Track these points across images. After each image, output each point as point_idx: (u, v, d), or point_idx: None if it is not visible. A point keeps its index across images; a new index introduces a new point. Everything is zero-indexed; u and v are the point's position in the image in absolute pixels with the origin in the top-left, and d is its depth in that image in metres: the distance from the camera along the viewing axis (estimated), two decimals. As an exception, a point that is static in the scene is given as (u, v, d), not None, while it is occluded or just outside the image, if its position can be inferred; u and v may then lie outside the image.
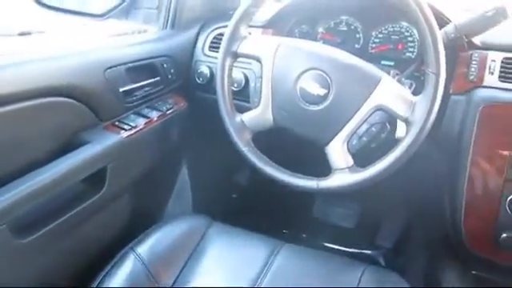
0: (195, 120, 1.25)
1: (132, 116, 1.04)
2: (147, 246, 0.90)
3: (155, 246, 0.91)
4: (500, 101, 0.89)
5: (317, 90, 0.84)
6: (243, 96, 1.12)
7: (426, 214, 1.27)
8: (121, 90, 1.00)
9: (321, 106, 0.84)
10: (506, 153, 0.87)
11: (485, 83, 0.92)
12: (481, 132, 0.89)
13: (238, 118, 0.93)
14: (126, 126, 0.99)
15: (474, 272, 1.01)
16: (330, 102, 0.83)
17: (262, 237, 0.97)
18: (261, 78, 0.90)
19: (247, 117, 0.93)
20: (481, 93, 0.91)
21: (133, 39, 1.13)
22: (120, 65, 1.00)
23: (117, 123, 1.00)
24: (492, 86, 0.91)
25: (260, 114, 0.91)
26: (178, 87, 1.21)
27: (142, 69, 1.07)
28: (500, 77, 0.91)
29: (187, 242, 0.93)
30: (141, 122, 1.03)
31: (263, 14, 1.14)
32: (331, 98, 0.83)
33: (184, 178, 1.36)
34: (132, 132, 0.99)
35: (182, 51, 1.21)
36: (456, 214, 0.94)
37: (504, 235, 0.88)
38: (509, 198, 0.87)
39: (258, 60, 0.91)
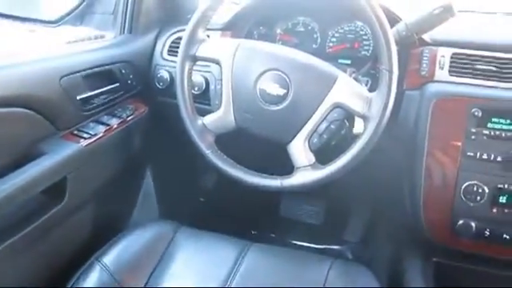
0: (157, 125, 1.24)
1: (91, 124, 1.02)
2: (113, 255, 0.89)
3: (121, 255, 0.89)
4: (451, 94, 0.93)
5: (276, 90, 0.85)
6: (204, 99, 1.12)
7: (389, 206, 1.31)
8: (78, 97, 0.98)
9: (281, 106, 0.85)
10: (458, 143, 0.91)
11: (436, 78, 0.96)
12: (434, 125, 0.93)
13: (200, 121, 0.94)
14: (85, 135, 0.97)
15: (435, 259, 1.04)
16: (289, 101, 0.85)
17: (230, 238, 0.97)
18: (221, 80, 0.91)
19: (209, 119, 0.93)
20: (433, 87, 0.95)
21: (89, 45, 1.10)
22: (76, 72, 0.98)
23: (75, 132, 0.98)
24: (443, 81, 0.95)
25: (221, 117, 0.91)
26: (138, 93, 1.19)
27: (99, 75, 1.05)
28: (450, 71, 0.96)
29: (154, 249, 0.93)
30: (100, 129, 1.01)
31: (221, 17, 1.14)
32: (290, 97, 0.85)
33: (149, 184, 1.35)
34: (91, 140, 0.97)
35: (140, 56, 1.19)
36: (415, 204, 0.97)
37: (460, 222, 0.92)
38: (463, 187, 0.91)
39: (218, 63, 0.91)
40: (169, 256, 0.92)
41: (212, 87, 1.11)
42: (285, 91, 0.85)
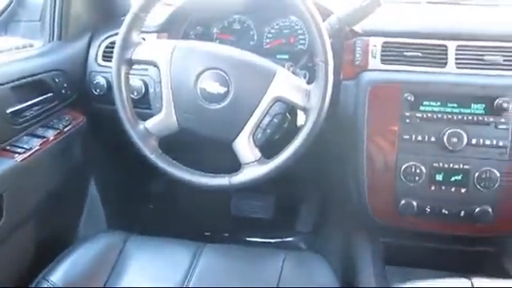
0: (97, 134, 1.20)
1: (25, 138, 0.97)
2: (61, 272, 0.85)
3: (70, 271, 0.86)
4: (384, 81, 0.98)
5: (217, 88, 0.85)
6: (144, 103, 1.10)
7: (336, 193, 1.35)
8: (8, 111, 0.93)
9: (223, 104, 0.85)
10: (395, 128, 0.96)
11: (370, 67, 1.00)
12: (372, 111, 0.97)
13: (141, 125, 0.92)
14: (19, 150, 0.92)
15: (382, 240, 1.09)
16: (230, 99, 0.85)
17: (183, 242, 0.96)
18: (160, 82, 0.90)
19: (150, 123, 0.91)
20: (367, 76, 0.99)
21: (16, 55, 1.04)
22: (3, 84, 0.92)
23: (8, 147, 0.92)
24: (376, 69, 1.00)
25: (163, 119, 0.90)
26: (74, 102, 1.15)
27: (30, 86, 1.00)
28: (382, 60, 1.00)
29: (105, 261, 0.90)
30: (36, 143, 0.96)
31: (155, 19, 1.12)
32: (231, 95, 0.85)
33: (94, 196, 1.30)
34: (27, 155, 0.92)
35: (73, 63, 1.15)
36: (360, 188, 1.01)
37: (403, 202, 0.97)
38: (402, 168, 0.96)
39: (155, 65, 0.90)
40: (121, 266, 0.89)
41: (151, 90, 1.09)
42: (225, 89, 0.85)
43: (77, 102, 1.15)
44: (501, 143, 0.93)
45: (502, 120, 0.92)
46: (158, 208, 1.57)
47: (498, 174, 0.93)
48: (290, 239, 1.53)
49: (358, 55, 1.01)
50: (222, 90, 0.85)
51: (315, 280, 0.89)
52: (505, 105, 0.91)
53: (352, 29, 0.99)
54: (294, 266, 0.91)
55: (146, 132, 0.91)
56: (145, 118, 0.93)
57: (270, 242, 1.51)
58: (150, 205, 1.58)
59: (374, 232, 1.10)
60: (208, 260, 0.91)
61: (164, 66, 0.88)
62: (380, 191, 0.99)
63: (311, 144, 0.83)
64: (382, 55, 1.00)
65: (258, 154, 0.86)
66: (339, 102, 1.01)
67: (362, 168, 0.99)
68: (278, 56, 1.15)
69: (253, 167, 0.86)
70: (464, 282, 0.64)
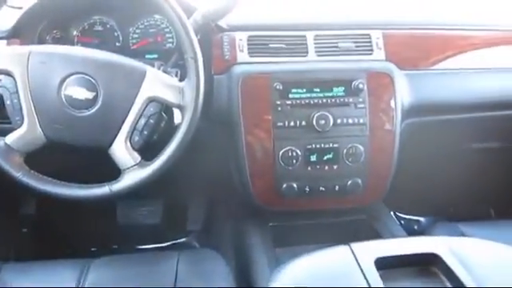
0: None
1: None
2: None
3: None
4: (254, 73, 1.02)
5: (84, 94, 0.81)
6: (2, 117, 0.99)
7: (223, 186, 1.37)
8: None
9: (93, 110, 0.81)
10: (268, 117, 1.01)
11: (238, 60, 1.03)
12: (245, 103, 1.01)
13: (1, 141, 0.83)
14: None
15: (271, 224, 1.14)
16: (101, 103, 0.81)
17: (65, 262, 0.90)
18: (16, 93, 0.81)
19: (11, 138, 0.82)
20: (237, 69, 1.02)
21: None
22: None
23: None
24: (245, 62, 1.03)
25: (27, 133, 0.82)
26: None
27: None
28: (249, 53, 1.04)
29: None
30: None
31: (3, 24, 1.01)
32: (101, 99, 0.81)
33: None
34: None
35: None
36: (243, 177, 1.04)
37: (284, 185, 1.03)
38: (280, 154, 1.01)
39: (9, 74, 0.81)
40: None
41: (8, 102, 0.97)
42: (94, 94, 0.81)
43: None
44: (361, 120, 1.03)
45: (360, 100, 1.03)
46: (33, 231, 1.43)
47: (363, 149, 1.04)
48: (182, 240, 1.51)
49: (226, 50, 1.03)
50: (90, 95, 0.81)
51: (210, 275, 0.90)
52: (360, 86, 1.02)
53: (217, 24, 1.01)
54: (189, 264, 0.91)
55: (8, 148, 0.82)
56: (5, 132, 0.84)
57: (162, 247, 1.48)
58: (23, 229, 1.43)
59: (262, 218, 1.15)
60: (97, 275, 0.86)
61: (19, 75, 0.80)
62: (262, 178, 1.04)
63: (192, 141, 0.83)
64: (248, 48, 1.04)
65: (138, 157, 0.84)
66: (213, 97, 1.02)
67: (243, 158, 1.02)
68: (147, 56, 1.12)
69: (134, 171, 0.83)
70: (345, 248, 0.71)
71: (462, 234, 1.05)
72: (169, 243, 1.49)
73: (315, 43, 1.06)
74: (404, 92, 1.06)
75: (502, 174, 1.40)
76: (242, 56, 1.03)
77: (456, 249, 0.68)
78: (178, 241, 1.51)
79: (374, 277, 0.64)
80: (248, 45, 1.04)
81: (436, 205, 1.44)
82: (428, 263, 0.68)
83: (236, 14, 0.99)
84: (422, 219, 1.52)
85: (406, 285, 0.66)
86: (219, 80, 1.03)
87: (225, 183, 1.22)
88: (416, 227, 1.50)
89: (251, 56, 1.04)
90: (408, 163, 1.11)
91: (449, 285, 0.65)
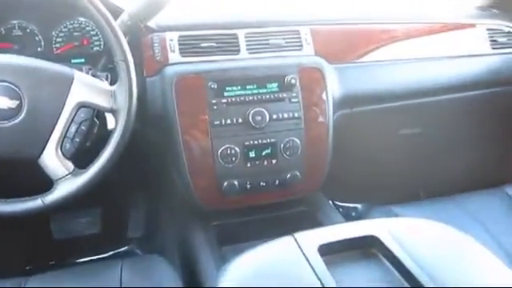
0: None
1: None
2: None
3: None
4: (187, 73, 1.01)
5: (6, 103, 0.75)
6: None
7: (164, 189, 1.35)
8: None
9: (17, 120, 0.76)
10: (205, 116, 1.00)
11: (171, 61, 1.02)
12: (180, 104, 0.99)
13: None
14: None
15: (214, 223, 1.14)
16: (26, 112, 0.76)
17: None
18: None
19: None
20: (170, 70, 1.00)
21: None
22: None
23: None
24: (177, 62, 1.02)
25: None
26: None
27: None
28: (181, 53, 1.03)
29: None
30: None
31: None
32: (26, 107, 0.76)
33: None
34: None
35: None
36: (184, 179, 1.03)
37: (225, 184, 1.03)
38: (219, 152, 1.01)
39: None
40: None
41: None
42: (17, 102, 0.76)
43: None
44: (296, 115, 1.06)
45: (294, 94, 1.06)
46: None
47: (299, 142, 1.06)
48: (124, 248, 1.47)
49: (157, 51, 1.02)
50: (14, 103, 0.76)
51: (157, 280, 0.88)
52: (293, 81, 1.04)
53: (147, 25, 0.99)
54: (134, 272, 0.89)
55: None
56: None
57: (103, 258, 1.42)
58: None
59: (205, 218, 1.14)
60: (34, 293, 0.81)
61: None
62: (202, 178, 1.03)
63: (127, 145, 0.81)
64: (180, 48, 1.03)
65: (71, 166, 0.80)
66: (147, 99, 1.00)
67: (182, 159, 1.01)
68: (74, 61, 1.07)
69: (67, 181, 0.79)
70: (289, 239, 0.72)
71: (397, 216, 1.12)
72: (111, 253, 1.44)
73: (246, 41, 1.07)
74: (334, 85, 1.11)
75: (426, 157, 1.50)
76: (174, 56, 1.02)
77: (392, 229, 0.72)
78: (121, 249, 1.46)
79: (319, 263, 0.66)
80: (179, 45, 1.03)
81: (371, 191, 1.51)
82: (368, 245, 0.72)
83: (165, 14, 0.97)
84: (358, 206, 1.59)
85: (349, 268, 0.69)
86: (152, 82, 1.01)
87: (166, 185, 1.20)
88: (354, 214, 1.57)
89: (183, 56, 1.03)
90: (342, 153, 1.15)
91: (388, 264, 0.69)
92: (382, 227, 0.73)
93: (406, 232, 0.74)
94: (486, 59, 1.29)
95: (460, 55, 1.27)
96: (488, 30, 1.31)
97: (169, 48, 1.02)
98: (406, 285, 0.64)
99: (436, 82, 1.24)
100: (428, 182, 1.57)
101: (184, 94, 1.00)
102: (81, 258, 1.41)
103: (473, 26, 1.30)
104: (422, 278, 0.62)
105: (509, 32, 1.33)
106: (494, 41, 1.30)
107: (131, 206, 1.54)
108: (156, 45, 1.02)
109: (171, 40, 1.03)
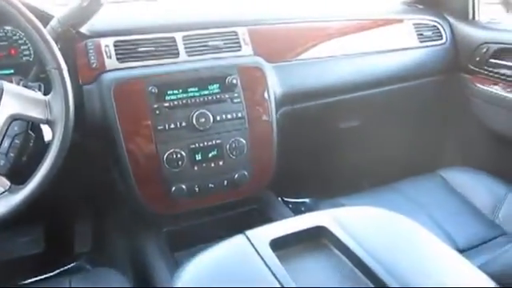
0: None
1: None
2: None
3: None
4: (125, 79, 0.99)
5: None
6: None
7: (110, 199, 1.31)
8: None
9: None
10: (148, 121, 0.99)
11: (108, 68, 0.99)
12: (121, 111, 0.97)
13: None
14: None
15: (165, 229, 1.12)
16: None
17: None
18: None
19: None
20: (107, 77, 0.98)
21: None
22: None
23: None
24: (115, 68, 1.00)
25: None
26: None
27: None
28: (118, 59, 1.01)
29: None
30: None
31: None
32: None
33: None
34: None
35: None
36: (129, 187, 1.01)
37: (173, 188, 1.02)
38: (164, 157, 1.00)
39: None
40: None
41: None
42: None
43: None
44: (239, 115, 1.06)
45: (236, 95, 1.06)
46: None
47: (244, 142, 1.07)
48: (72, 265, 1.40)
49: (92, 58, 0.99)
50: None
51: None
52: (234, 81, 1.05)
53: (79, 31, 0.96)
54: (84, 286, 0.85)
55: None
56: None
57: (51, 276, 1.35)
58: None
59: (155, 225, 1.12)
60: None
61: None
62: (149, 184, 1.01)
63: (67, 156, 0.78)
64: (116, 54, 1.01)
65: (7, 183, 0.76)
66: (85, 108, 0.97)
67: (127, 166, 0.98)
68: (1, 72, 1.01)
69: (4, 199, 0.75)
70: (241, 237, 0.73)
71: (343, 206, 1.16)
72: (58, 271, 1.37)
73: (185, 44, 1.06)
74: (275, 83, 1.13)
75: (366, 149, 1.57)
76: (111, 62, 1.00)
77: (338, 218, 0.75)
78: (69, 266, 1.39)
79: (272, 258, 0.67)
80: (115, 50, 1.01)
81: (318, 185, 1.56)
82: (318, 236, 0.74)
83: (99, 19, 0.94)
84: (307, 200, 1.63)
85: (302, 261, 0.70)
86: (89, 90, 0.97)
87: (111, 196, 1.16)
88: (303, 208, 1.60)
89: (121, 62, 1.01)
90: (288, 150, 1.18)
91: (338, 252, 0.71)
92: (330, 217, 0.76)
93: (352, 220, 0.77)
94: (414, 52, 1.37)
95: (391, 49, 1.34)
96: (414, 24, 1.39)
97: (105, 54, 1.00)
98: (358, 273, 0.67)
99: (370, 76, 1.30)
100: (370, 173, 1.64)
101: (124, 100, 0.97)
102: (25, 279, 1.33)
103: (400, 21, 1.38)
104: (372, 265, 0.65)
105: (433, 26, 1.42)
106: (421, 34, 1.39)
107: (76, 219, 1.48)
108: (91, 51, 0.99)
109: (106, 46, 1.00)
